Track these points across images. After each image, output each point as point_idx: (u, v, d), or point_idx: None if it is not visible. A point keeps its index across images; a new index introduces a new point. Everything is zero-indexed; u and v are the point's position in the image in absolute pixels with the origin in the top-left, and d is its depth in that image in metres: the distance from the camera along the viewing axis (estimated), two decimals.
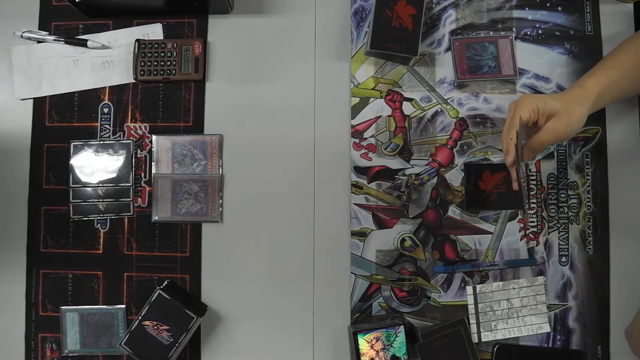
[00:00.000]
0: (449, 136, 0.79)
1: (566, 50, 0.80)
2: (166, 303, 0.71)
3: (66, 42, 0.79)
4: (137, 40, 0.78)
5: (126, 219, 0.78)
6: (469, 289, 0.77)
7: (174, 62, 0.78)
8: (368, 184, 0.78)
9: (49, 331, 0.77)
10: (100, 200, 0.78)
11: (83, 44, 0.79)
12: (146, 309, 0.71)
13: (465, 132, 0.79)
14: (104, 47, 0.80)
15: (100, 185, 0.78)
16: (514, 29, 0.80)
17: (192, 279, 0.77)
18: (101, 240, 0.78)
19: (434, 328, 0.74)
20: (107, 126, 0.79)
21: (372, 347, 0.71)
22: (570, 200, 0.78)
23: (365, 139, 0.79)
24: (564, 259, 0.77)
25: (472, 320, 0.76)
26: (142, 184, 0.78)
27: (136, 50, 0.78)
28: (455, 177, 0.78)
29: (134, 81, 0.79)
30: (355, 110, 0.79)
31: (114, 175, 0.78)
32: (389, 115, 0.79)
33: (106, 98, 0.80)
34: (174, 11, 0.80)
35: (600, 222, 0.78)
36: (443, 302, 0.77)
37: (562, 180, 0.78)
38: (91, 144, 0.79)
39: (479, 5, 0.81)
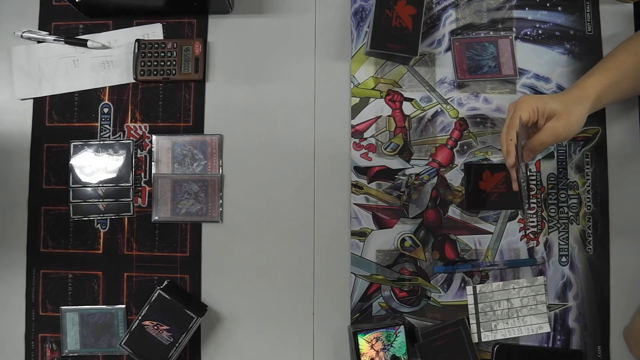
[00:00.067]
0: (449, 136, 0.79)
1: (566, 50, 0.80)
2: (166, 303, 0.71)
3: (66, 42, 0.79)
4: (137, 40, 0.78)
5: (126, 219, 0.78)
6: (469, 289, 0.77)
7: (174, 62, 0.78)
8: (368, 184, 0.78)
9: (49, 331, 0.77)
10: (100, 200, 0.78)
11: (83, 44, 0.79)
12: (146, 309, 0.71)
13: (465, 132, 0.79)
14: (104, 47, 0.80)
15: (100, 185, 0.78)
16: (514, 29, 0.80)
17: (192, 279, 0.77)
18: (101, 240, 0.78)
19: (434, 328, 0.74)
20: (107, 126, 0.79)
21: (372, 347, 0.71)
22: (570, 200, 0.78)
23: (365, 139, 0.79)
24: (564, 259, 0.77)
25: (472, 320, 0.76)
26: (142, 184, 0.78)
27: (136, 50, 0.78)
28: (455, 177, 0.78)
29: (134, 81, 0.79)
30: (355, 110, 0.79)
31: (114, 175, 0.78)
32: (389, 115, 0.79)
33: (106, 98, 0.80)
34: (174, 11, 0.80)
35: (600, 222, 0.78)
36: (443, 302, 0.77)
37: (562, 180, 0.78)
38: (91, 144, 0.79)
39: (479, 5, 0.81)
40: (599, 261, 0.77)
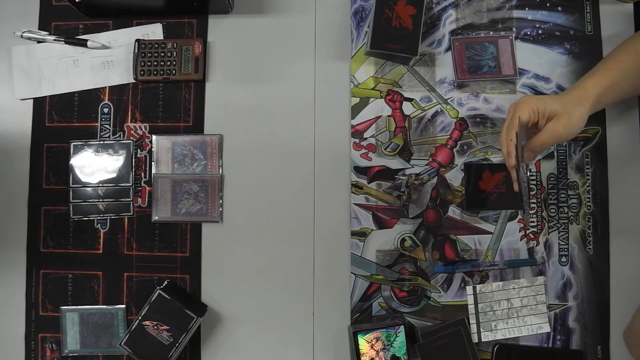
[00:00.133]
0: (449, 136, 0.79)
1: (566, 50, 0.80)
2: (166, 303, 0.71)
3: (66, 42, 0.79)
4: (137, 40, 0.78)
5: (126, 219, 0.78)
6: (469, 289, 0.77)
7: (174, 62, 0.78)
8: (368, 184, 0.78)
9: (49, 331, 0.77)
10: (100, 200, 0.78)
11: (83, 44, 0.79)
12: (146, 309, 0.71)
13: (465, 132, 0.79)
14: (104, 47, 0.80)
15: (100, 185, 0.78)
16: (514, 29, 0.80)
17: (192, 279, 0.77)
18: (101, 240, 0.78)
19: (434, 328, 0.74)
20: (107, 126, 0.79)
21: (372, 347, 0.71)
22: (570, 200, 0.78)
23: (365, 139, 0.79)
24: (564, 259, 0.77)
25: (472, 320, 0.76)
26: (142, 184, 0.78)
27: (136, 50, 0.78)
28: (455, 177, 0.78)
29: (134, 81, 0.79)
30: (355, 110, 0.79)
31: (114, 175, 0.78)
32: (389, 115, 0.79)
33: (106, 98, 0.80)
34: (174, 11, 0.80)
35: (600, 222, 0.78)
36: (443, 302, 0.77)
37: (562, 180, 0.78)
38: (91, 144, 0.79)
39: (479, 5, 0.81)
40: (599, 261, 0.77)
